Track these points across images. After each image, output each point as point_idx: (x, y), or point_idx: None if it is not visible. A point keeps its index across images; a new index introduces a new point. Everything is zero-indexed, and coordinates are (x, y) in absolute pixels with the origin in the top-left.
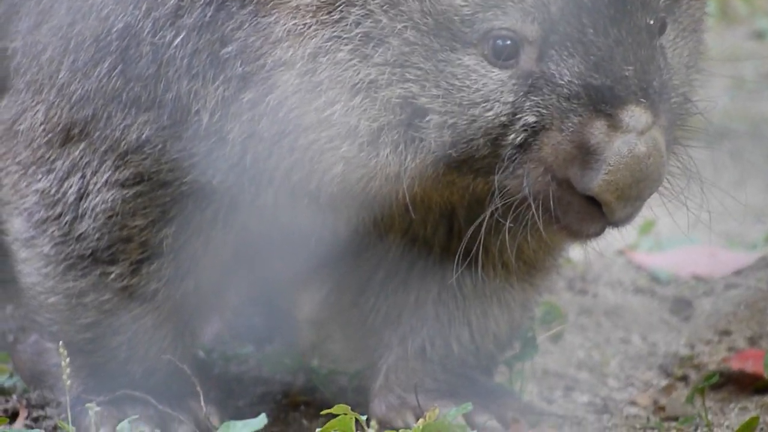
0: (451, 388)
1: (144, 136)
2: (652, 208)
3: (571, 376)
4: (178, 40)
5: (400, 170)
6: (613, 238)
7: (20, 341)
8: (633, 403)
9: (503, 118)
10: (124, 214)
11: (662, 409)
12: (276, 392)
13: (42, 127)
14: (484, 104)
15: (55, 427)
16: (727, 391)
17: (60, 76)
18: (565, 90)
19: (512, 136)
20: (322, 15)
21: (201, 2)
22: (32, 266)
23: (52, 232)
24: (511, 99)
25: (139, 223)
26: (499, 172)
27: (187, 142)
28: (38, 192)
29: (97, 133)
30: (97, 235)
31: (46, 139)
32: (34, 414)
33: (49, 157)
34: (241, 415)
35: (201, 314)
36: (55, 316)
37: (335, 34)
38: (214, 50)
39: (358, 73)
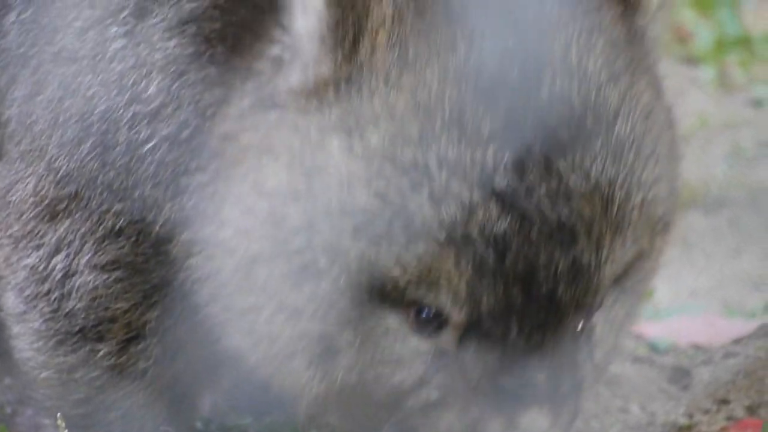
0: None
1: (119, 225)
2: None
3: None
4: (151, 144)
5: (307, 385)
6: None
7: (18, 414)
8: None
9: (407, 386)
10: (107, 296)
11: None
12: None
13: (31, 200)
14: (394, 366)
15: None
16: None
17: (49, 150)
18: (473, 382)
19: (411, 402)
20: (267, 227)
21: (181, 118)
22: (25, 341)
23: (42, 308)
24: (421, 370)
25: (122, 305)
26: (395, 422)
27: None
28: (28, 267)
29: (78, 214)
30: (83, 314)
31: (35, 212)
32: None
33: (38, 232)
34: None
35: (197, 389)
36: (49, 391)
37: (277, 249)
38: (177, 172)
39: (286, 297)
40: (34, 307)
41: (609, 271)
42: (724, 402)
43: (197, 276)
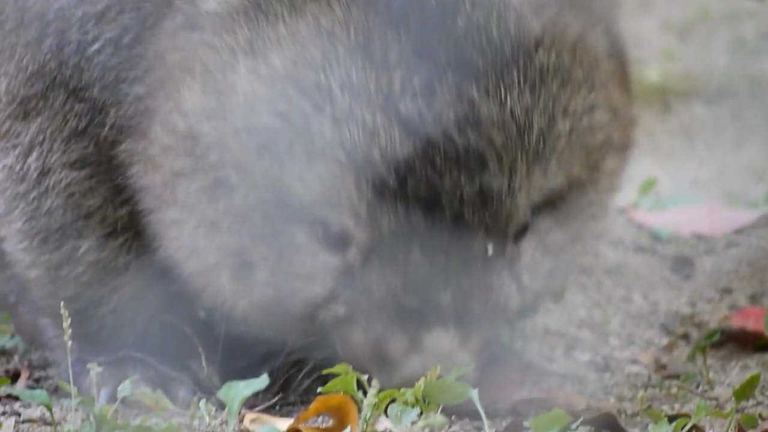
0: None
1: (81, 125)
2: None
3: (572, 335)
4: (97, 46)
5: (230, 299)
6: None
7: (21, 302)
8: (634, 361)
9: (318, 300)
10: (80, 193)
11: (663, 367)
12: (278, 352)
13: (5, 99)
14: (305, 280)
15: (57, 388)
16: (728, 349)
17: (17, 50)
18: (377, 300)
19: (323, 317)
20: (186, 144)
21: (124, 22)
22: (12, 243)
23: (23, 208)
24: (330, 286)
25: (94, 202)
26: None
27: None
28: (6, 168)
29: (46, 113)
30: (61, 211)
31: (9, 112)
32: (36, 375)
33: (14, 132)
34: (242, 375)
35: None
36: (41, 291)
37: (194, 165)
38: (119, 79)
39: (205, 211)
40: (16, 207)
41: (524, 198)
42: (727, 291)
43: (137, 185)
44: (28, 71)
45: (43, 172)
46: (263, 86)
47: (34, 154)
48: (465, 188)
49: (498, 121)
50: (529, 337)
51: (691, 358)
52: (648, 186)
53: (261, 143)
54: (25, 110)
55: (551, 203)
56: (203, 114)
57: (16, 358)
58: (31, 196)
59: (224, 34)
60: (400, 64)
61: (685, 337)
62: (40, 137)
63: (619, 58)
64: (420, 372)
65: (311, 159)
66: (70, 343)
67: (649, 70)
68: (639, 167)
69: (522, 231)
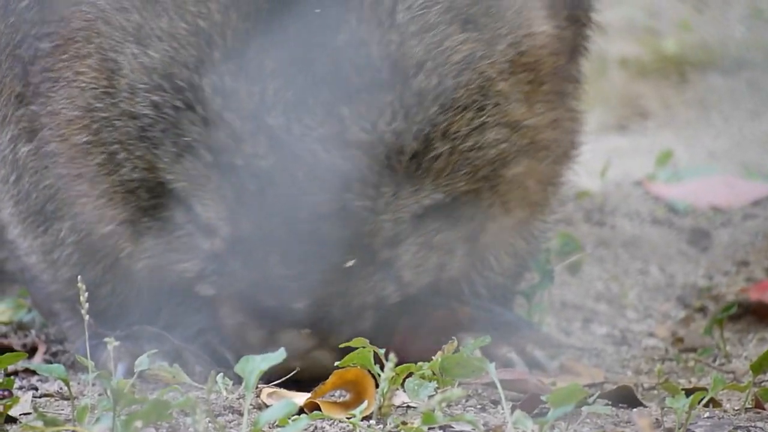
0: (470, 321)
1: (18, 91)
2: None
3: (589, 308)
4: (25, 2)
5: (130, 264)
6: (631, 170)
7: (33, 289)
8: (651, 334)
9: (190, 276)
10: (38, 169)
11: (680, 340)
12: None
13: None
14: (179, 255)
15: (74, 363)
16: (746, 321)
17: None
18: (239, 290)
19: (198, 289)
20: (85, 119)
21: None
22: (11, 231)
23: (10, 191)
24: (200, 265)
25: (50, 182)
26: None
27: None
28: None
29: (1, 86)
30: (35, 193)
31: None
32: (53, 349)
33: None
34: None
35: None
36: (44, 276)
37: (92, 140)
38: (32, 34)
39: (103, 184)
40: (7, 192)
41: (390, 217)
42: (744, 264)
43: (46, 150)
44: None
45: (15, 150)
46: (143, 76)
47: (6, 131)
48: (325, 206)
49: (366, 143)
50: (546, 310)
51: (708, 331)
52: (664, 158)
53: (140, 128)
54: None
55: (439, 210)
56: (98, 91)
57: (33, 332)
58: (11, 178)
59: (119, 14)
60: (274, 74)
61: (702, 310)
62: (3, 112)
63: (530, 67)
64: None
65: (181, 153)
66: (87, 317)
67: (666, 41)
68: (655, 139)
69: (400, 237)
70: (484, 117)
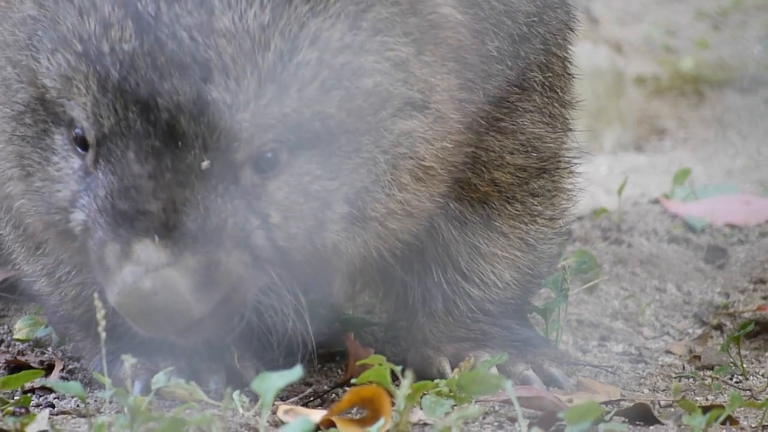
0: (486, 338)
1: None
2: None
3: (606, 325)
4: None
5: (22, 210)
6: (648, 188)
7: (46, 311)
8: (668, 352)
9: (65, 203)
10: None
11: (697, 357)
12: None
13: None
14: (58, 183)
15: (90, 380)
16: (762, 339)
17: None
18: (99, 203)
19: (72, 223)
20: None
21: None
22: (16, 255)
23: (5, 217)
24: (74, 188)
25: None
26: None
27: None
28: None
29: None
30: (25, 216)
31: None
32: (70, 366)
33: None
34: (276, 366)
35: None
36: (51, 299)
37: None
38: None
39: (2, 120)
40: (2, 218)
41: (250, 118)
42: (760, 281)
43: None
44: None
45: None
46: None
47: None
48: (184, 94)
49: (231, 31)
50: (563, 328)
51: (725, 348)
52: (682, 176)
53: (26, 35)
54: None
55: (314, 147)
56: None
57: (50, 349)
58: (5, 203)
59: None
60: None
61: (719, 327)
62: None
63: (418, 12)
64: (131, 283)
65: (56, 48)
66: (104, 334)
67: (684, 60)
68: (673, 157)
69: (268, 165)
70: (360, 36)
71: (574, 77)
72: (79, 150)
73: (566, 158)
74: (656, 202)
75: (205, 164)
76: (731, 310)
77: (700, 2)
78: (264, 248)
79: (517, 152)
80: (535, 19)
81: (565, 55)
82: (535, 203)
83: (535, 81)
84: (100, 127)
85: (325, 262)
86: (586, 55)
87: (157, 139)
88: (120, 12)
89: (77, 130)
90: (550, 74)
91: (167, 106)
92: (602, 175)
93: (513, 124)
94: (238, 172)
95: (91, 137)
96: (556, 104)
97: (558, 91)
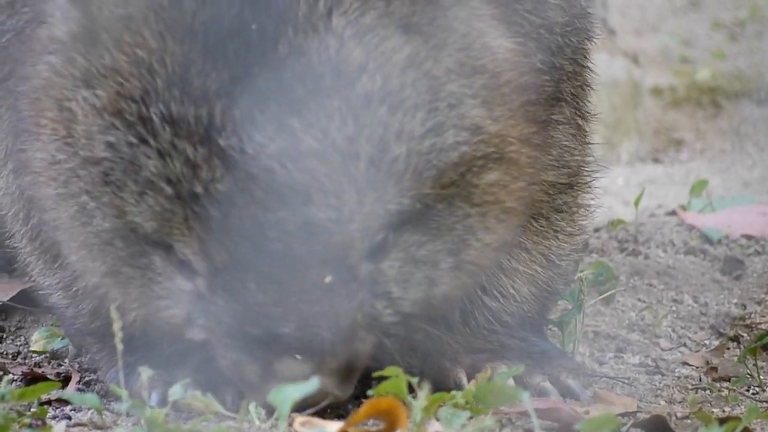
0: (503, 349)
1: (14, 123)
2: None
3: (622, 337)
4: (8, 36)
5: (124, 312)
6: (665, 199)
7: (62, 324)
8: (685, 363)
9: (179, 322)
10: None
11: (714, 369)
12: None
13: None
14: (166, 302)
15: (107, 392)
16: None
17: None
18: (226, 328)
19: (189, 335)
20: (51, 171)
21: (25, 16)
22: (32, 269)
23: (22, 230)
24: (186, 309)
25: None
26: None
27: None
28: (1, 190)
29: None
30: (45, 227)
31: None
32: (86, 378)
33: None
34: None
35: None
36: (68, 312)
37: (61, 192)
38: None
39: (79, 236)
40: (19, 231)
41: (359, 225)
42: None
43: (30, 195)
44: None
45: (18, 183)
46: (96, 117)
47: (8, 165)
48: (290, 221)
49: (319, 151)
50: (580, 339)
51: (742, 360)
52: (699, 187)
53: (102, 173)
54: None
55: (415, 221)
56: (58, 141)
57: (66, 361)
58: (21, 214)
59: (68, 63)
60: (219, 95)
61: (736, 339)
62: (4, 145)
63: (483, 70)
64: None
65: (143, 191)
66: (121, 346)
67: (700, 71)
68: (689, 168)
69: (379, 251)
70: (438, 117)
71: (592, 88)
72: (185, 272)
73: (588, 172)
74: (673, 213)
75: (327, 280)
76: (748, 322)
77: (717, 13)
78: (392, 320)
79: (551, 167)
80: (568, 29)
81: (589, 65)
82: (559, 219)
83: (566, 92)
84: (211, 262)
85: (437, 310)
86: (602, 66)
87: (274, 266)
88: (203, 151)
89: (181, 256)
90: (579, 84)
91: (277, 236)
92: (619, 187)
93: (549, 139)
94: (356, 269)
95: (202, 269)
96: (581, 116)
97: (583, 102)
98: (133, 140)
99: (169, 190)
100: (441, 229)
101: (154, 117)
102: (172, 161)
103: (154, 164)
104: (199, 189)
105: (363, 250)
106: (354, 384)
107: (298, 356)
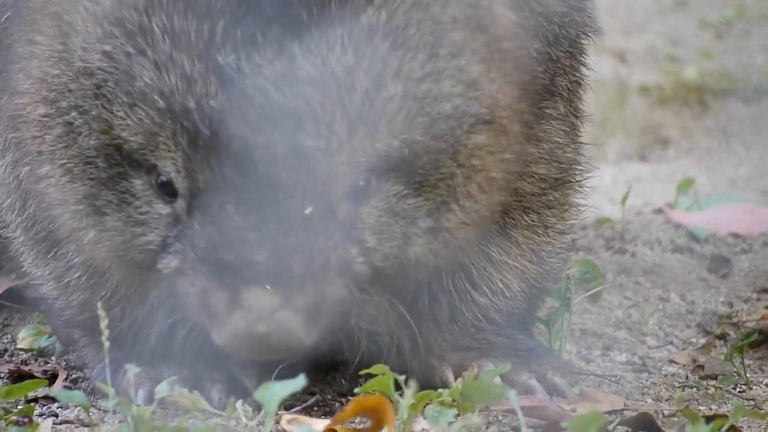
0: (490, 347)
1: (12, 112)
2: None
3: (609, 335)
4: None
5: (93, 248)
6: (651, 197)
7: (50, 317)
8: (671, 361)
9: (154, 248)
10: (30, 190)
11: (701, 367)
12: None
13: None
14: (142, 227)
15: (93, 389)
16: (766, 348)
17: None
18: (200, 252)
19: (161, 265)
20: (42, 89)
21: None
22: (24, 260)
23: (17, 221)
24: (163, 234)
25: None
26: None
27: None
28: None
29: None
30: (40, 217)
31: None
32: (73, 375)
33: None
34: (279, 375)
35: None
36: (57, 303)
37: (49, 111)
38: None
39: (62, 158)
40: (14, 221)
41: (346, 159)
42: (764, 291)
43: (16, 143)
44: None
45: (16, 174)
46: (95, 26)
47: (6, 156)
48: (279, 146)
49: (317, 78)
50: (567, 337)
51: (729, 358)
52: (685, 185)
53: (94, 85)
54: None
55: (400, 169)
56: (52, 57)
57: (53, 359)
58: (17, 205)
59: None
60: (223, 13)
61: (723, 337)
62: (3, 137)
63: (486, 29)
64: (243, 328)
65: (134, 103)
66: (107, 344)
67: (687, 69)
68: (676, 167)
69: (360, 194)
70: (438, 63)
71: (586, 86)
72: (164, 196)
73: (579, 171)
74: (660, 211)
75: (307, 211)
76: (735, 320)
77: (704, 12)
78: (363, 272)
79: (542, 161)
80: (565, 20)
81: (585, 61)
82: (549, 215)
83: (561, 86)
84: (193, 181)
85: (407, 274)
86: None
87: (256, 191)
88: (201, 66)
89: (162, 178)
90: (574, 80)
91: (263, 159)
92: (606, 185)
93: (541, 132)
94: (335, 207)
95: (183, 189)
96: (574, 114)
97: (577, 99)
98: (131, 50)
99: (161, 102)
100: (424, 185)
101: (155, 28)
102: (167, 74)
103: (149, 76)
104: (191, 104)
105: (346, 187)
106: (317, 333)
107: (267, 286)
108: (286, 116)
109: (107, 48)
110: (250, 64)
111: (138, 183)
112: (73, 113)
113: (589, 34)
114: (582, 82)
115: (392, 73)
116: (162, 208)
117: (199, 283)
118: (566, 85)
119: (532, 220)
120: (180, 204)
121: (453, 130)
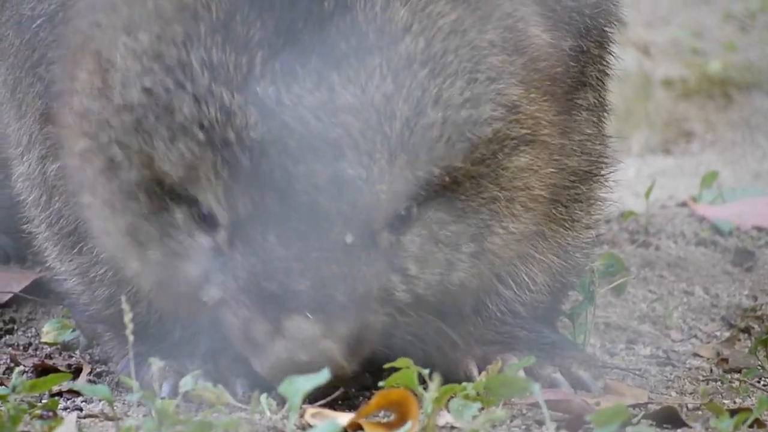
0: (514, 341)
1: (42, 109)
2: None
3: (633, 328)
4: (39, 21)
5: (136, 279)
6: (675, 191)
7: (74, 311)
8: (696, 355)
9: (196, 281)
10: (66, 187)
11: (725, 360)
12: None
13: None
14: (184, 259)
15: (118, 383)
16: None
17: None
18: (242, 283)
19: (204, 296)
20: (83, 124)
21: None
22: (48, 255)
23: (41, 216)
24: (204, 266)
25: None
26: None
27: None
28: (21, 176)
29: (22, 105)
30: (66, 213)
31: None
32: (98, 369)
33: (16, 134)
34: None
35: None
36: (82, 298)
37: (91, 145)
38: (53, 57)
39: (104, 192)
40: (38, 216)
41: (387, 188)
42: None
43: (59, 170)
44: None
45: (43, 170)
46: (134, 62)
47: (33, 152)
48: (320, 175)
49: (356, 107)
50: (591, 331)
51: (753, 351)
52: (709, 179)
53: (135, 120)
54: (18, 106)
55: (441, 196)
56: (92, 92)
57: (78, 352)
58: (42, 199)
59: (110, 13)
60: (261, 45)
61: (747, 330)
62: (29, 132)
63: (523, 51)
64: (285, 358)
65: (174, 136)
66: (132, 338)
67: (711, 62)
68: (700, 160)
69: (402, 222)
70: (477, 89)
71: (611, 76)
72: (206, 228)
73: (605, 164)
74: (684, 204)
75: (349, 240)
76: (759, 313)
77: (728, 4)
78: (406, 300)
79: (573, 154)
80: (596, 10)
81: (612, 51)
82: (576, 209)
83: (591, 76)
84: (234, 212)
85: (452, 298)
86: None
87: (297, 221)
88: (240, 98)
89: (203, 210)
90: (602, 69)
91: (305, 189)
92: (630, 178)
93: (572, 123)
94: (377, 236)
95: (224, 220)
96: (602, 105)
97: (604, 90)
98: (170, 85)
99: (201, 135)
100: (466, 211)
101: (194, 61)
102: (207, 106)
103: (188, 109)
104: (231, 136)
105: (387, 215)
106: (359, 361)
107: (309, 315)
108: (327, 146)
109: (146, 83)
110: (289, 95)
111: (179, 215)
112: (114, 148)
113: (615, 23)
114: (608, 72)
115: (432, 100)
116: (204, 240)
117: (241, 313)
118: (596, 75)
119: (560, 214)
120: (221, 235)
121: (495, 154)
